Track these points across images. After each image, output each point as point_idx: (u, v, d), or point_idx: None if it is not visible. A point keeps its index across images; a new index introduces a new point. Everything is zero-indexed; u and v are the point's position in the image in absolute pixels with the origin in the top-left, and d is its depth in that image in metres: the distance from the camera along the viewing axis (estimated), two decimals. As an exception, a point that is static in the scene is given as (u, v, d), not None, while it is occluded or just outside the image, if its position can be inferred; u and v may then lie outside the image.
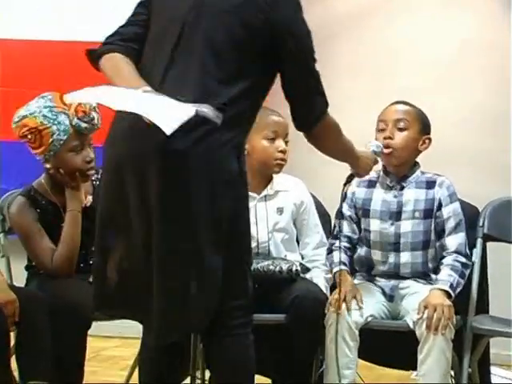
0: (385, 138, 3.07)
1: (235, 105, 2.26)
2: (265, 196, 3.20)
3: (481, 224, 3.25)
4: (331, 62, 4.38)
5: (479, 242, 3.23)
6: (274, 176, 3.25)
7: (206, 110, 2.12)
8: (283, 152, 3.15)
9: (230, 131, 2.26)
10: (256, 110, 2.39)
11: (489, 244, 3.28)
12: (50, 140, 2.98)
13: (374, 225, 3.13)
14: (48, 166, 3.05)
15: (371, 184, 3.15)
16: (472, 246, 3.20)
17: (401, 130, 3.10)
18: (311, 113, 2.37)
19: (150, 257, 2.27)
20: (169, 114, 2.09)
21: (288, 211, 3.24)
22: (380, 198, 3.14)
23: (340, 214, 3.14)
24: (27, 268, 3.21)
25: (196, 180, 2.23)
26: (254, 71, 2.31)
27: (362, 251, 3.19)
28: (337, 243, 3.14)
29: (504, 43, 4.19)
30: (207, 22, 2.29)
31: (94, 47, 2.41)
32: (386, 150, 3.03)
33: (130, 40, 2.39)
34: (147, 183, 2.23)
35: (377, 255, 3.13)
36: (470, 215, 3.26)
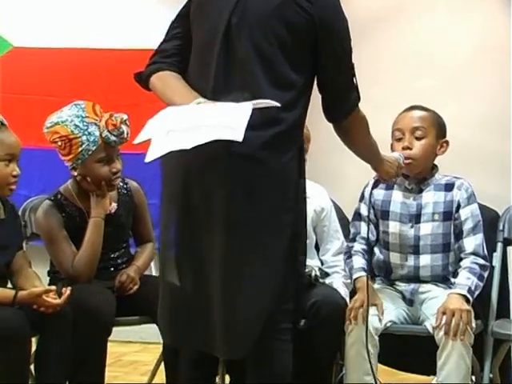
0: (403, 149, 3.10)
1: (290, 112, 2.35)
2: None
3: (501, 228, 3.30)
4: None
5: (499, 246, 3.28)
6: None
7: (260, 101, 2.22)
8: None
9: (288, 141, 2.37)
10: (305, 117, 2.47)
11: (510, 248, 3.33)
12: (79, 149, 3.07)
13: (393, 227, 3.17)
14: (75, 173, 3.14)
15: (389, 186, 3.18)
16: (492, 250, 3.24)
17: (418, 138, 3.13)
18: (344, 106, 2.48)
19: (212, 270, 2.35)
20: (231, 121, 2.18)
21: (308, 218, 3.16)
22: (399, 200, 3.18)
23: (358, 216, 3.19)
24: (49, 273, 3.29)
25: (262, 185, 2.33)
26: (302, 75, 2.39)
27: (380, 254, 3.23)
28: (355, 246, 3.19)
29: None
30: (251, 28, 2.36)
31: (140, 70, 2.51)
32: (405, 161, 3.05)
33: (174, 55, 2.50)
34: (214, 191, 2.32)
35: (395, 258, 3.18)
36: (490, 219, 3.32)
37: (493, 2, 4.43)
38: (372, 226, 3.21)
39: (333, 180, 3.99)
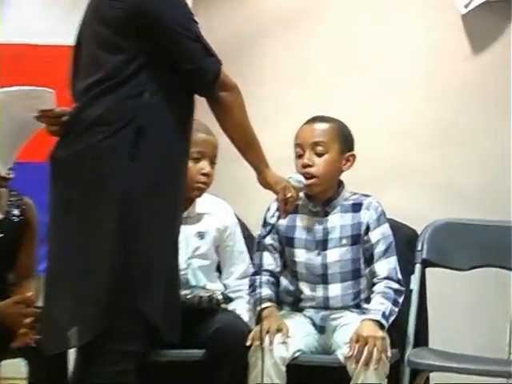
0: (303, 167, 3.13)
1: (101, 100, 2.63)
2: (185, 219, 3.20)
3: (419, 248, 3.34)
4: (256, 68, 4.49)
5: (418, 267, 3.32)
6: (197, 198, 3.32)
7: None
8: (207, 175, 3.23)
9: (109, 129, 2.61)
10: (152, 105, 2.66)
11: (428, 270, 3.35)
12: None
13: (300, 255, 3.19)
14: None
15: (293, 209, 3.12)
16: (410, 272, 3.28)
17: (319, 154, 3.15)
18: (205, 74, 2.68)
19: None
20: None
21: (210, 236, 3.31)
22: (304, 225, 3.20)
23: (261, 245, 3.17)
24: None
25: (71, 188, 2.63)
26: (121, 54, 2.65)
27: (288, 283, 3.25)
28: (259, 278, 3.15)
29: (452, 49, 4.27)
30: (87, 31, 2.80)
31: None
32: (307, 181, 3.08)
33: None
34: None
35: (304, 288, 3.20)
36: (408, 238, 3.38)
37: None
38: (277, 255, 3.23)
39: (238, 194, 3.99)
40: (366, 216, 3.17)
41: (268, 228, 3.04)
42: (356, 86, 4.36)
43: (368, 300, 3.13)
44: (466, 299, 4.02)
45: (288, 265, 3.24)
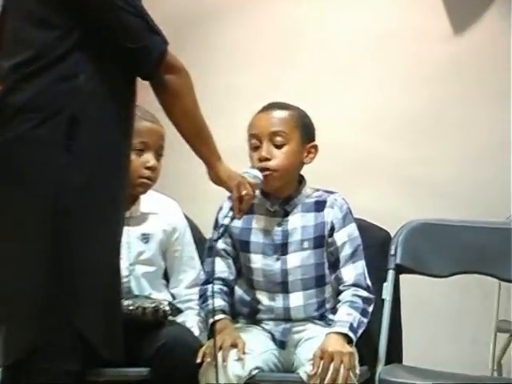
0: (260, 160, 3.01)
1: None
2: (127, 219, 3.06)
3: (393, 252, 3.22)
4: (208, 52, 4.51)
5: (391, 274, 3.20)
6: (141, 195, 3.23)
7: None
8: (152, 169, 3.14)
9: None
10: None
11: (402, 277, 3.25)
12: None
13: (256, 261, 3.07)
14: None
15: (249, 209, 3.02)
16: (382, 279, 3.17)
17: (278, 146, 3.03)
18: (148, 54, 2.57)
19: None
20: None
21: (155, 239, 3.20)
22: (261, 226, 3.08)
23: (212, 250, 3.02)
24: None
25: None
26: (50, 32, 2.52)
27: (243, 293, 3.12)
28: (211, 288, 3.04)
29: (430, 31, 4.30)
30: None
31: None
32: (263, 173, 2.98)
33: None
34: None
35: (262, 297, 3.08)
36: (380, 241, 3.25)
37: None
38: (231, 261, 3.12)
39: (187, 192, 3.99)
40: (330, 215, 3.05)
41: (220, 230, 2.91)
42: (319, 73, 4.36)
43: (334, 310, 3.03)
44: (444, 309, 4.01)
45: (243, 272, 3.11)
